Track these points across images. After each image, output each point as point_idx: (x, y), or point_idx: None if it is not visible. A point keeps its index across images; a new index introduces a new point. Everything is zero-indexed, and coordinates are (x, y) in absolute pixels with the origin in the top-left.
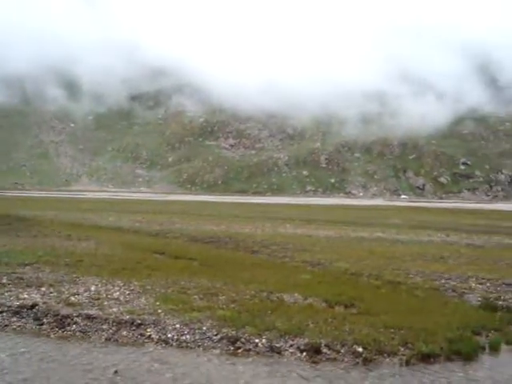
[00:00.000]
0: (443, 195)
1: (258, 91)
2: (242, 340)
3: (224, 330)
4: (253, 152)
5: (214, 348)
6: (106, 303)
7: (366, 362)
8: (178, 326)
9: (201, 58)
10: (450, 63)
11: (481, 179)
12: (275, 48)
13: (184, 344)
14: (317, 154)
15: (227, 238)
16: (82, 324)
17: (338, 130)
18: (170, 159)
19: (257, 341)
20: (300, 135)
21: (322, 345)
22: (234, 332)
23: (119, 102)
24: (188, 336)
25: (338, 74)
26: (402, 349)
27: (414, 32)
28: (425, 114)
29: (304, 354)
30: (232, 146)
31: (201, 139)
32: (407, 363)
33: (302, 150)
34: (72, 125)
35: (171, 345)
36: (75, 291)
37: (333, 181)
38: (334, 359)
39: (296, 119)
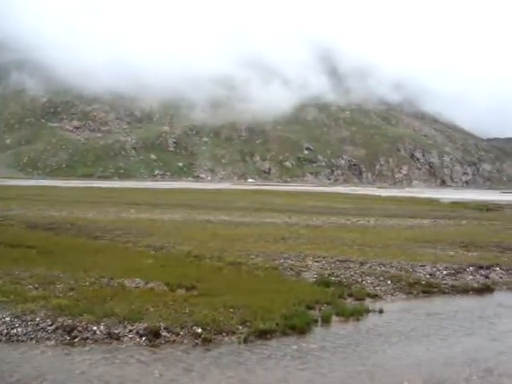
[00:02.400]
0: (288, 179)
1: (105, 71)
2: (79, 329)
3: (60, 320)
4: (99, 135)
5: (48, 339)
6: None
7: (206, 342)
8: (8, 319)
9: (45, 33)
10: (296, 52)
11: (323, 164)
12: (124, 27)
13: (14, 338)
14: (165, 137)
15: (68, 224)
16: None
17: (187, 114)
18: (7, 141)
19: (95, 328)
20: (148, 118)
21: (162, 328)
22: (70, 321)
23: None
24: (19, 329)
25: (187, 57)
26: (241, 327)
27: (263, 19)
28: (271, 100)
29: (143, 338)
30: (77, 128)
31: (43, 120)
32: (245, 341)
33: (150, 134)
34: None
35: None
36: None
37: (181, 165)
38: (174, 342)
39: (144, 101)
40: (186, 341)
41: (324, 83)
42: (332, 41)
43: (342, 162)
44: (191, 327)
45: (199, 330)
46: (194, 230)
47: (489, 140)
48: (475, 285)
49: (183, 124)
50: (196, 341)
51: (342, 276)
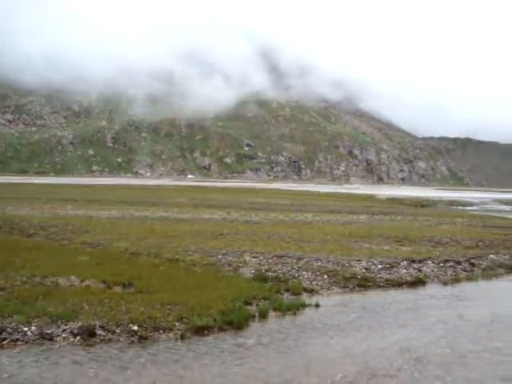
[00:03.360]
0: (228, 175)
1: (41, 63)
2: (9, 330)
3: None
4: (34, 129)
5: None
6: None
7: (142, 339)
8: None
9: None
10: (237, 48)
11: (263, 160)
12: (62, 17)
13: None
14: (103, 132)
15: (1, 222)
16: None
17: (126, 109)
18: None
19: (25, 329)
20: (86, 113)
21: (97, 327)
22: None
23: None
24: None
25: (127, 51)
26: (178, 324)
27: (203, 14)
28: (212, 96)
29: (78, 338)
30: (10, 121)
31: None
32: (182, 337)
33: (88, 129)
34: None
35: None
36: None
37: (120, 160)
38: (110, 340)
39: (82, 95)
40: (122, 339)
41: (264, 80)
42: (273, 37)
43: (282, 158)
44: (127, 325)
45: (135, 328)
46: (131, 226)
47: (424, 139)
48: (408, 278)
49: (122, 119)
50: (132, 338)
51: (280, 271)
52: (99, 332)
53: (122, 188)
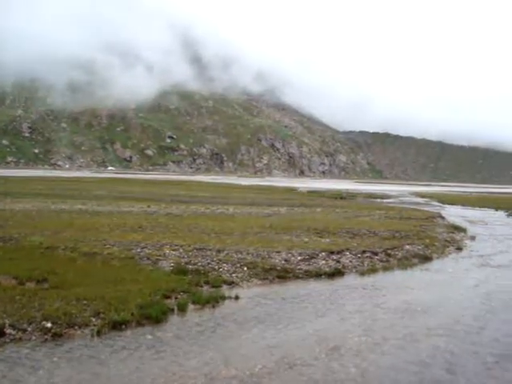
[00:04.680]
0: (150, 167)
1: None
2: None
3: None
4: None
5: None
6: None
7: (56, 336)
8: None
9: None
10: (159, 37)
11: (185, 152)
12: None
13: None
14: (19, 122)
15: None
16: None
17: (44, 98)
18: None
19: None
20: (0, 101)
21: (7, 325)
22: None
23: None
24: None
25: (45, 38)
26: (94, 319)
27: (126, 3)
28: (134, 86)
29: None
30: None
31: None
32: (99, 333)
33: (2, 117)
34: None
35: None
36: None
37: (37, 151)
38: (20, 339)
39: None
40: (34, 337)
41: (187, 71)
42: (196, 28)
43: (204, 150)
44: (40, 322)
45: (49, 325)
46: (47, 219)
47: (345, 133)
48: (327, 269)
49: (39, 108)
50: (45, 336)
51: (199, 264)
52: (9, 331)
53: (39, 180)
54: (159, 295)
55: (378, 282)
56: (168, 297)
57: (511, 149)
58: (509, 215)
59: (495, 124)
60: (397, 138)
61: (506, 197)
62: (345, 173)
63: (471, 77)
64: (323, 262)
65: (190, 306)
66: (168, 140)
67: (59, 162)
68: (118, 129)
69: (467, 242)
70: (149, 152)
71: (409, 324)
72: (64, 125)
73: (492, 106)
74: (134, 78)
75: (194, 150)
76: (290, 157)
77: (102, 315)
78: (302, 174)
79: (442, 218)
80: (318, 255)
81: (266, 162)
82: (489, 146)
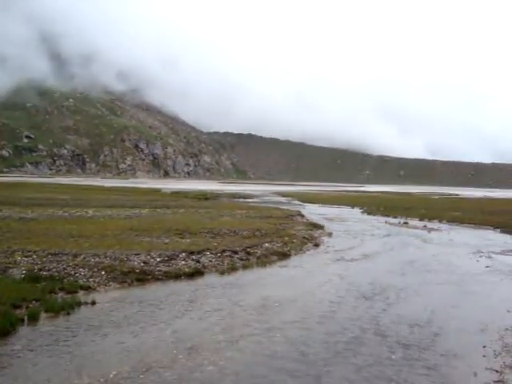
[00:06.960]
0: (5, 169)
1: None
2: None
3: None
4: None
5: None
6: None
7: None
8: None
9: None
10: (15, 30)
11: (44, 153)
12: None
13: None
14: None
15: None
16: None
17: None
18: None
19: None
20: None
21: None
22: None
23: None
24: None
25: None
26: None
27: None
28: None
29: None
30: None
31: None
32: None
33: None
34: None
35: None
36: None
37: None
38: None
39: None
40: None
41: (45, 67)
42: (55, 23)
43: (65, 151)
44: None
45: None
46: None
47: (209, 133)
48: (187, 269)
49: None
50: None
51: (54, 270)
52: None
53: None
54: (8, 305)
55: (238, 280)
56: (18, 306)
57: (367, 150)
58: (363, 212)
59: (352, 126)
60: (261, 139)
61: (361, 195)
62: (210, 173)
63: (331, 78)
64: (183, 262)
65: (43, 315)
66: (25, 140)
67: None
68: None
69: (324, 238)
70: (4, 152)
71: (266, 319)
72: None
73: (350, 107)
74: None
75: (54, 150)
76: (155, 158)
77: None
78: (166, 175)
79: (302, 216)
80: (177, 256)
81: (129, 163)
82: (347, 147)
